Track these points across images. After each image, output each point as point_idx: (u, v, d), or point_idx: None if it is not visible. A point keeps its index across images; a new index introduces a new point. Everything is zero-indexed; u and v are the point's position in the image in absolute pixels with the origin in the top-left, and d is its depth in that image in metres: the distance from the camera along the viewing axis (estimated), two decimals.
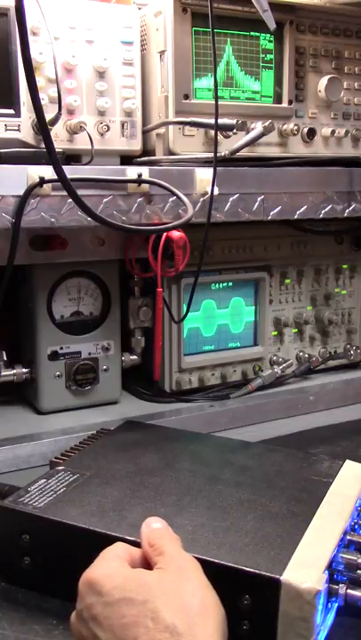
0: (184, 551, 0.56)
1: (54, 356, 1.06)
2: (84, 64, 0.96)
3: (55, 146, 0.77)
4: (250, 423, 1.14)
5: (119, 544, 0.58)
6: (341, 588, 0.60)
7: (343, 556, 0.63)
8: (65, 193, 0.81)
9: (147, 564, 0.56)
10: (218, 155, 0.95)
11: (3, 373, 1.06)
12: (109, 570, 0.53)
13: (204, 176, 0.97)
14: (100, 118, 0.98)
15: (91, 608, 0.51)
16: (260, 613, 0.58)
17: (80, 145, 0.97)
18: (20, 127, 0.90)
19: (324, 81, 1.11)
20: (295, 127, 1.08)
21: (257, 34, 1.05)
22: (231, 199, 1.01)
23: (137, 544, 0.59)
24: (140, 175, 0.92)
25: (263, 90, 1.08)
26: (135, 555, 0.57)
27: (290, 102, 1.09)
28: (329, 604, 0.61)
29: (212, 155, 0.95)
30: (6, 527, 0.69)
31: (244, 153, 1.02)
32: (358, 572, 0.62)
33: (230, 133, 1.02)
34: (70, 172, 0.84)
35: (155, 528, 0.59)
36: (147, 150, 1.05)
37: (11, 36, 0.87)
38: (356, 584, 0.61)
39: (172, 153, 1.01)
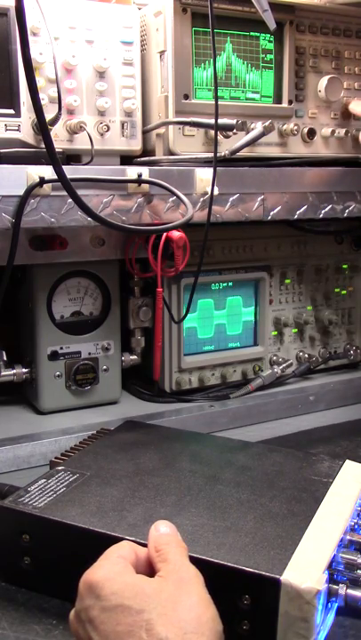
0: (188, 561, 0.55)
1: (54, 356, 1.06)
2: (84, 64, 0.96)
3: (55, 146, 0.77)
4: (250, 423, 1.15)
5: (125, 543, 0.57)
6: (341, 588, 0.60)
7: (343, 555, 0.63)
8: (65, 193, 0.81)
9: (151, 566, 0.56)
10: (218, 155, 0.95)
11: (3, 373, 1.06)
12: (111, 573, 0.53)
13: (204, 176, 0.97)
14: (100, 118, 0.98)
15: (88, 610, 0.51)
16: (260, 613, 0.58)
17: (80, 145, 0.97)
18: (20, 127, 0.90)
19: (324, 81, 1.11)
20: (295, 127, 1.08)
21: (257, 34, 1.05)
22: (231, 199, 1.01)
23: (137, 544, 0.58)
24: (140, 175, 0.92)
25: (263, 90, 1.08)
26: (141, 555, 0.57)
27: (290, 102, 1.09)
28: (329, 604, 0.61)
29: (212, 155, 0.95)
30: (6, 527, 0.69)
31: (244, 153, 1.02)
32: (358, 571, 0.63)
33: (230, 133, 1.02)
34: (70, 172, 0.84)
35: (162, 533, 0.58)
36: (147, 150, 1.05)
37: (11, 36, 0.87)
38: (357, 584, 0.62)
39: (172, 153, 1.01)
